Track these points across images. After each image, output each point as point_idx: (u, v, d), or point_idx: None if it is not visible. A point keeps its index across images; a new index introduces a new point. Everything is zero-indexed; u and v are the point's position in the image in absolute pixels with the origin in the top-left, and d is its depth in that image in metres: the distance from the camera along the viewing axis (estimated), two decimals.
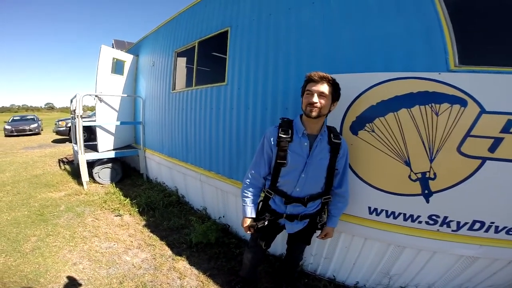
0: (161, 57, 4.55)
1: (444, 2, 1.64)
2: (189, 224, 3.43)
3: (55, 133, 12.13)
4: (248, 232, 1.84)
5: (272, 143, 1.66)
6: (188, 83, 4.07)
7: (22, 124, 14.62)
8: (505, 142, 1.52)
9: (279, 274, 2.38)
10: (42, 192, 4.67)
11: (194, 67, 3.71)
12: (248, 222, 1.80)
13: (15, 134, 13.98)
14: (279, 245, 2.63)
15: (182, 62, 4.20)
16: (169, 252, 2.88)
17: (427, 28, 1.67)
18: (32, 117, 16.62)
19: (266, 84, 2.53)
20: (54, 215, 3.71)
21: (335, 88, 1.56)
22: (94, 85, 4.94)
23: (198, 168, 3.57)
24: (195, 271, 2.56)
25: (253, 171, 1.79)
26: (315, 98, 1.49)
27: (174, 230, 3.37)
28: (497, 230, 1.67)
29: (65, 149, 9.39)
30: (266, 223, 1.78)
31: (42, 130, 15.95)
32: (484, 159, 1.58)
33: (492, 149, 1.55)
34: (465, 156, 1.61)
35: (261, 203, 1.87)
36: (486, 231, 1.69)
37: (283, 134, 1.62)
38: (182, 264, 2.67)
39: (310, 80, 1.54)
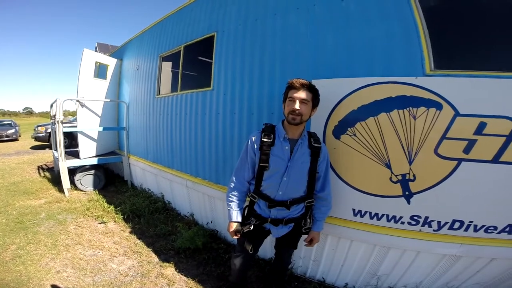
0: (146, 61, 4.50)
1: (421, 8, 1.72)
2: (176, 230, 3.38)
3: (34, 139, 11.67)
4: (235, 236, 1.84)
5: (255, 147, 1.70)
6: (173, 88, 4.04)
7: None
8: (479, 143, 1.60)
9: (269, 278, 2.38)
10: (21, 199, 4.48)
11: (180, 71, 3.69)
12: (234, 226, 1.81)
13: None
14: (268, 249, 2.64)
15: (167, 66, 4.17)
16: (157, 258, 2.84)
17: (405, 34, 1.75)
18: (9, 122, 15.86)
19: (252, 89, 2.56)
20: (34, 223, 3.57)
21: (315, 95, 1.62)
22: (76, 89, 4.81)
23: (184, 174, 3.54)
24: (184, 278, 2.53)
25: (237, 176, 1.83)
26: (297, 105, 1.54)
27: (160, 236, 3.32)
28: (476, 229, 1.75)
29: (45, 156, 9.05)
30: (251, 227, 1.80)
31: (20, 136, 15.28)
32: (459, 160, 1.66)
33: (466, 150, 1.63)
34: (442, 158, 1.69)
35: (246, 208, 1.88)
36: (466, 230, 1.77)
37: (265, 138, 1.66)
38: (170, 270, 2.63)
39: (291, 87, 1.59)
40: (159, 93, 4.10)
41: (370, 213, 1.96)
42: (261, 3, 2.54)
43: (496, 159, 1.59)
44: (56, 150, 5.14)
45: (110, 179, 5.68)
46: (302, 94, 1.55)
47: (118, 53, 5.93)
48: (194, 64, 4.23)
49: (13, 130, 14.19)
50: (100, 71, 5.24)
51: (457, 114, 1.61)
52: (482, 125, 1.58)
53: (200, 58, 4.38)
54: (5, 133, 13.69)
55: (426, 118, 1.67)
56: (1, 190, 4.97)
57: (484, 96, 1.57)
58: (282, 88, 1.75)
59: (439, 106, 1.64)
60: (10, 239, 3.13)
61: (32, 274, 2.51)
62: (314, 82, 1.69)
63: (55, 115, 4.78)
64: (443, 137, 1.66)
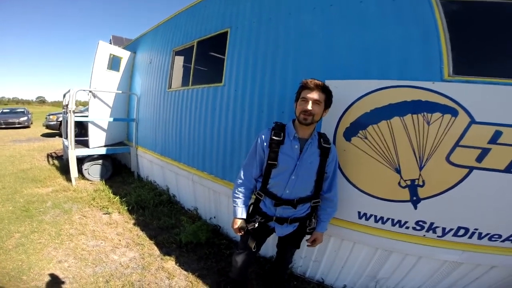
0: (159, 55, 4.54)
1: (443, 11, 1.69)
2: (180, 224, 3.41)
3: (45, 127, 11.90)
4: (238, 233, 1.85)
5: (265, 144, 1.70)
6: (185, 82, 4.06)
7: (11, 116, 14.23)
8: (492, 152, 1.57)
9: (269, 276, 2.38)
10: (29, 187, 4.55)
11: (192, 66, 3.71)
12: (238, 223, 1.81)
13: (4, 126, 13.60)
14: (269, 247, 2.64)
15: (179, 61, 4.20)
16: (158, 251, 2.86)
17: (424, 37, 1.72)
18: (22, 110, 16.23)
19: (263, 86, 2.55)
20: (40, 211, 3.62)
21: (328, 96, 1.61)
22: (88, 79, 4.89)
23: (190, 168, 3.55)
24: (184, 271, 2.54)
25: (245, 172, 1.82)
26: (310, 106, 1.53)
27: (164, 229, 3.34)
28: (480, 237, 1.73)
29: (55, 144, 9.21)
30: (256, 225, 1.79)
31: (32, 123, 15.61)
32: (471, 169, 1.63)
33: (479, 159, 1.60)
34: (453, 165, 1.66)
35: (251, 205, 1.88)
36: (470, 237, 1.75)
37: (275, 136, 1.66)
38: (171, 264, 2.65)
39: (305, 87, 1.58)
40: (170, 86, 4.13)
41: (376, 216, 1.95)
42: (276, 1, 2.54)
43: (508, 169, 1.57)
44: (66, 138, 5.21)
45: (117, 169, 5.75)
46: (315, 95, 1.54)
47: (132, 46, 6.00)
48: (206, 59, 4.25)
49: (25, 118, 14.52)
50: (114, 63, 5.30)
51: (472, 121, 1.58)
52: (497, 134, 1.54)
53: (212, 53, 4.40)
54: (18, 120, 14.03)
55: (440, 124, 1.65)
56: (10, 177, 5.06)
57: (502, 104, 1.54)
58: (293, 87, 1.75)
59: (454, 113, 1.61)
60: (15, 227, 3.17)
61: (34, 263, 2.53)
62: (327, 82, 1.67)
63: (67, 105, 4.86)
64: (457, 144, 1.63)
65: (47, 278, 2.35)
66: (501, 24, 1.77)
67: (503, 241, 1.70)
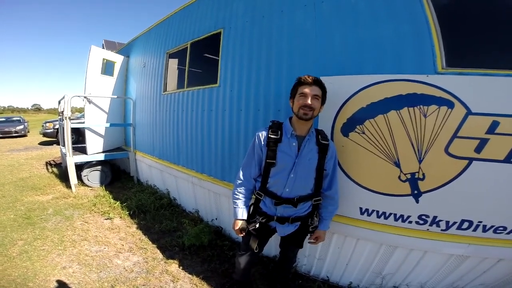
0: (153, 58, 4.51)
1: (433, 6, 1.69)
2: (181, 227, 3.40)
3: (42, 135, 11.84)
4: (240, 235, 1.83)
5: (263, 143, 1.69)
6: (180, 84, 4.04)
7: (7, 125, 14.10)
8: (491, 142, 1.57)
9: (273, 276, 2.38)
10: (29, 195, 4.54)
11: (186, 68, 3.69)
12: (239, 224, 1.79)
13: (0, 136, 13.54)
14: (272, 246, 2.63)
15: (173, 63, 4.18)
16: (161, 255, 2.85)
17: (416, 31, 1.72)
18: (18, 118, 16.10)
19: (258, 85, 2.54)
20: (41, 219, 3.61)
21: (324, 91, 1.62)
22: (83, 86, 4.86)
23: (189, 170, 3.54)
24: (188, 274, 2.54)
25: (244, 172, 1.81)
26: (310, 100, 1.54)
27: (166, 233, 3.34)
28: (485, 229, 1.72)
29: (53, 152, 9.17)
30: (257, 225, 1.78)
31: (28, 132, 15.52)
32: (470, 160, 1.62)
33: (478, 149, 1.60)
34: (453, 157, 1.65)
35: (252, 206, 1.87)
36: (474, 230, 1.74)
37: (273, 135, 1.65)
38: (175, 267, 2.64)
39: (302, 83, 1.58)
40: (165, 89, 4.11)
41: (378, 211, 1.94)
42: (268, 0, 2.52)
43: (508, 159, 1.56)
44: (64, 146, 5.19)
45: (116, 175, 5.74)
46: (314, 90, 1.56)
47: (125, 50, 5.96)
48: (200, 60, 4.23)
49: (22, 126, 14.41)
50: (107, 68, 5.27)
51: (469, 112, 1.58)
52: (494, 124, 1.54)
53: (206, 55, 4.37)
54: (14, 129, 13.91)
55: (437, 116, 1.64)
56: (10, 186, 5.05)
57: (498, 95, 1.53)
58: (289, 84, 1.74)
59: (450, 105, 1.60)
60: (18, 234, 3.17)
61: (39, 270, 2.53)
62: (322, 79, 1.66)
63: (63, 112, 4.83)
64: (454, 135, 1.63)
65: (53, 285, 2.35)
66: (492, 16, 1.76)
67: (508, 233, 1.69)
